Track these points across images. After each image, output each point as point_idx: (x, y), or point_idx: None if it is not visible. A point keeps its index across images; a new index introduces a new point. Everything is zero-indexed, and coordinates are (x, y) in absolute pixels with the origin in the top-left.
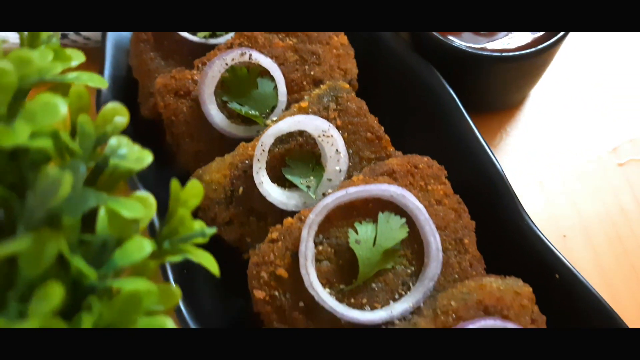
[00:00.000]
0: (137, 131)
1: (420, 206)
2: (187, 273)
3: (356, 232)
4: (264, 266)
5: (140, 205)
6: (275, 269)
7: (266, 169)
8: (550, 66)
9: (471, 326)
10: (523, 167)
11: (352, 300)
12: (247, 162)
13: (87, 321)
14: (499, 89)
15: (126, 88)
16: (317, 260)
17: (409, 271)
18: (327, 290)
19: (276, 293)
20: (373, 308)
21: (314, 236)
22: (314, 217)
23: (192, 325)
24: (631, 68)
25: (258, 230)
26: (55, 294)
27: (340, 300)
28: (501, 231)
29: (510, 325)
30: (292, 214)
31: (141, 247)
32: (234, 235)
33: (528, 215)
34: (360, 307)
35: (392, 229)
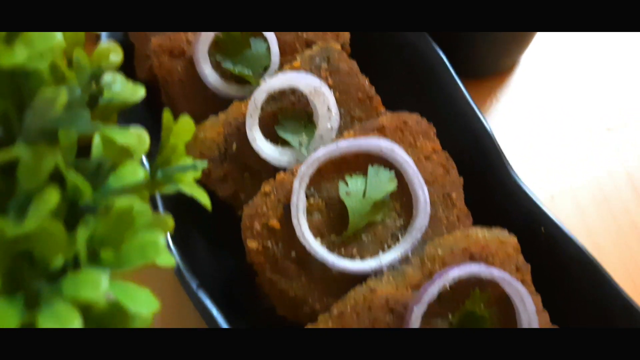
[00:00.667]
0: None
1: (409, 160)
2: (183, 228)
3: (346, 184)
4: (257, 218)
5: (134, 135)
6: (267, 221)
7: (260, 127)
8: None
9: (456, 270)
10: (513, 132)
11: (343, 250)
12: (240, 119)
13: (82, 235)
14: (489, 54)
15: (122, 52)
16: (309, 212)
17: (398, 224)
18: (318, 240)
19: (269, 243)
20: (363, 258)
21: (305, 188)
22: (306, 170)
23: (188, 278)
24: (621, 35)
25: (252, 187)
26: (52, 196)
27: (331, 250)
28: (488, 187)
29: (494, 271)
30: (284, 170)
31: (135, 171)
32: (228, 191)
33: (515, 172)
34: (351, 257)
35: (381, 182)
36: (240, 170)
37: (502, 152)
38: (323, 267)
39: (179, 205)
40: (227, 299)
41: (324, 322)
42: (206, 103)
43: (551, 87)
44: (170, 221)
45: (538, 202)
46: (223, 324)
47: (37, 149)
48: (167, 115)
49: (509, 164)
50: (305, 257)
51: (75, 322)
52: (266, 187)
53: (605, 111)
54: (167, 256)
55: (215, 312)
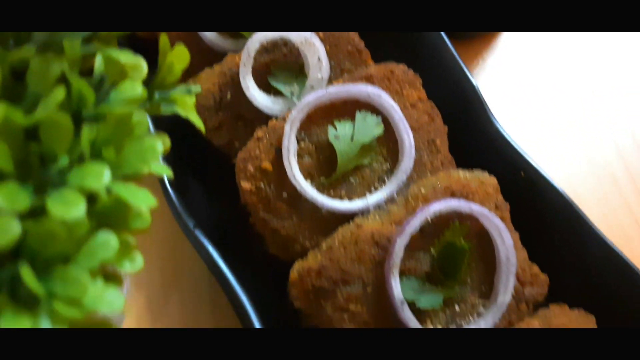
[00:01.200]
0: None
1: (395, 105)
2: (182, 178)
3: (335, 128)
4: (250, 160)
5: (133, 57)
6: (260, 163)
7: (253, 78)
8: None
9: (437, 205)
10: (498, 90)
11: (332, 192)
12: (234, 70)
13: (86, 134)
14: None
15: None
16: (299, 155)
17: (384, 168)
18: (309, 182)
19: (262, 184)
20: (351, 199)
21: (296, 132)
22: (296, 114)
23: (185, 218)
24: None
25: (245, 135)
26: (59, 92)
27: (320, 191)
28: (472, 136)
29: (474, 206)
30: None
31: (134, 87)
32: (223, 139)
33: (497, 121)
34: (339, 198)
35: (368, 126)
36: (235, 119)
37: (485, 102)
38: (313, 207)
39: (177, 157)
40: (222, 238)
41: (313, 257)
42: (202, 56)
43: (537, 48)
44: (166, 139)
45: (518, 148)
46: (218, 260)
47: (46, 56)
48: (163, 39)
49: (491, 113)
50: (296, 198)
51: (81, 205)
52: (259, 132)
53: (590, 74)
54: (162, 166)
55: (211, 249)
